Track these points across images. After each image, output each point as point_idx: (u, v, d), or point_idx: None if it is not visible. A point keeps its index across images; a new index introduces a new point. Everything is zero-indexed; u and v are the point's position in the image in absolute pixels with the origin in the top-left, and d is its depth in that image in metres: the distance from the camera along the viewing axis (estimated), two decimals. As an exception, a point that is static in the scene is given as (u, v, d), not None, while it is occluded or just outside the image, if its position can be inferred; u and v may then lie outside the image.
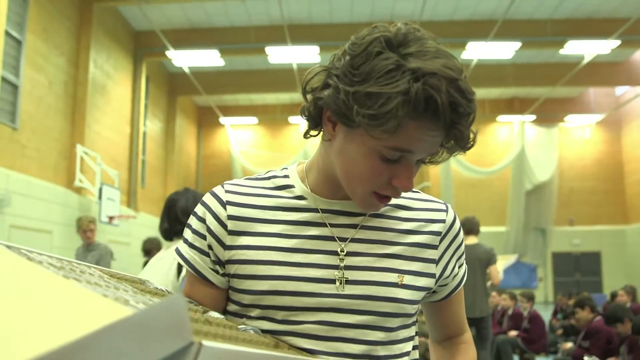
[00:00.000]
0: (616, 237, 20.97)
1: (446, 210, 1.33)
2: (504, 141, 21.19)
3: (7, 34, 10.04)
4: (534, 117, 20.52)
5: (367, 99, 1.02)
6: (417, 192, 1.34)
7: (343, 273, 1.20)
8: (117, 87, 14.88)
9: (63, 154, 11.99)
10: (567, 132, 21.81)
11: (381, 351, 1.21)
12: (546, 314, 10.98)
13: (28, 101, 10.72)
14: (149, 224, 16.42)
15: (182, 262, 1.29)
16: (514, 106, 20.34)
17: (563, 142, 21.56)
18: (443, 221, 1.31)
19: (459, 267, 1.37)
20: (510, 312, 9.52)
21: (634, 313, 8.23)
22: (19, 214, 10.03)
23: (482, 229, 7.05)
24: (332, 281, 1.20)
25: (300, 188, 1.27)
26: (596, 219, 21.53)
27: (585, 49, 15.49)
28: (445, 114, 1.00)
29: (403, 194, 1.27)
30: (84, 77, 12.67)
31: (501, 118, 21.01)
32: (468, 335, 1.46)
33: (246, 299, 1.22)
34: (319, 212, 1.25)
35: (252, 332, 1.06)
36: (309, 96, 1.18)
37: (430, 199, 1.35)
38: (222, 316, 1.13)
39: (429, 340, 1.50)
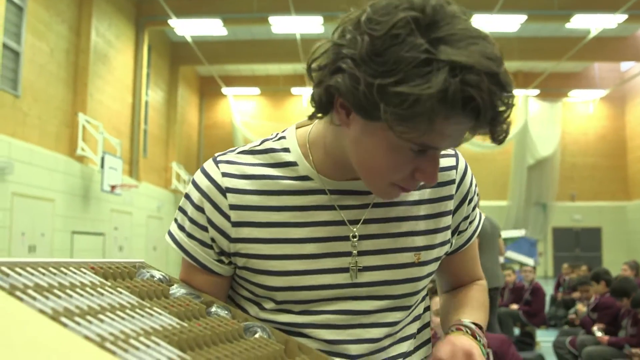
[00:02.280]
0: (617, 213, 20.99)
1: (456, 167, 1.23)
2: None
3: None
4: (537, 91, 20.42)
5: (396, 97, 0.88)
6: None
7: (356, 260, 1.14)
8: (119, 55, 14.80)
9: (65, 122, 11.97)
10: (571, 107, 21.71)
11: (400, 326, 1.20)
12: (546, 289, 11.03)
13: (30, 69, 10.67)
14: (151, 194, 16.46)
15: (179, 252, 1.20)
16: (518, 80, 20.20)
17: (566, 117, 21.48)
18: (453, 182, 1.22)
19: (473, 210, 1.28)
20: (511, 285, 9.57)
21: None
22: (21, 181, 10.05)
23: (484, 203, 7.00)
24: (348, 270, 1.14)
25: (304, 167, 1.15)
26: (598, 194, 21.54)
27: (591, 23, 15.35)
28: (486, 113, 0.90)
29: None
30: (85, 45, 12.60)
31: (505, 92, 20.90)
32: (483, 282, 1.38)
33: (259, 292, 1.17)
34: (326, 194, 1.15)
35: (260, 334, 1.03)
36: (315, 75, 1.03)
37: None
38: (226, 312, 1.09)
39: (439, 295, 1.41)
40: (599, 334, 6.32)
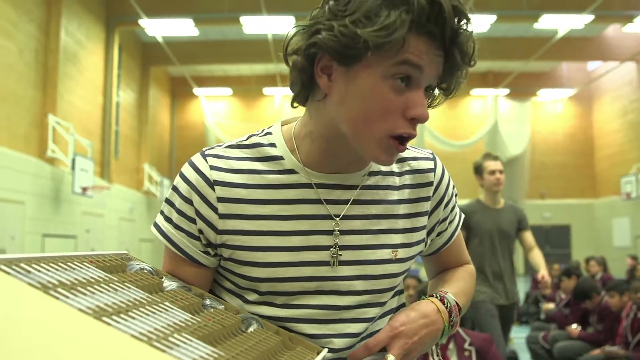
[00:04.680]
0: (585, 210, 21.33)
1: (434, 170, 1.29)
2: (478, 114, 21.33)
3: (-24, 0, 9.83)
4: (507, 90, 20.66)
5: (368, 19, 0.99)
6: (407, 148, 1.26)
7: (339, 254, 1.18)
8: (90, 56, 14.66)
9: (34, 123, 11.82)
10: (540, 107, 22.01)
11: (378, 322, 1.24)
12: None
13: (-2, 69, 10.53)
14: (123, 196, 16.33)
15: (166, 243, 1.21)
16: (488, 80, 20.45)
17: (536, 116, 21.77)
18: (431, 184, 1.28)
19: (452, 211, 1.35)
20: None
21: (604, 283, 8.43)
22: (-10, 184, 9.91)
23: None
24: (329, 263, 1.18)
25: (290, 160, 1.18)
26: (567, 192, 21.86)
27: (559, 24, 15.59)
28: (450, 20, 1.01)
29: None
30: (55, 45, 12.46)
31: (475, 92, 21.12)
32: (470, 266, 1.44)
33: (243, 283, 1.19)
34: (312, 187, 1.18)
35: (257, 327, 1.07)
36: (292, 58, 1.11)
37: (418, 155, 1.30)
38: (222, 306, 1.12)
39: (428, 280, 1.47)
40: (574, 326, 6.45)
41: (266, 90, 21.29)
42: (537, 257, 4.99)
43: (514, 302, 4.90)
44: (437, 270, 1.43)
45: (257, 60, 18.10)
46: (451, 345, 3.40)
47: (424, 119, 1.06)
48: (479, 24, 15.63)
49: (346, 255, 1.18)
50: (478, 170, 4.89)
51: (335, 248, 1.17)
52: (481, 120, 20.96)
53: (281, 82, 18.42)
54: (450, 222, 1.36)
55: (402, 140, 1.08)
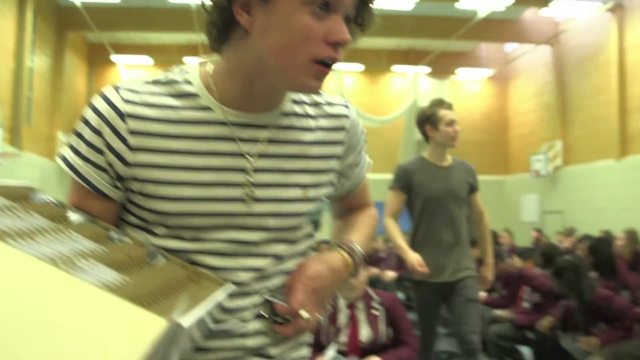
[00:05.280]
0: (497, 186, 22.01)
1: (348, 117, 1.35)
2: (398, 91, 21.59)
3: None
4: (428, 69, 21.00)
5: None
6: (321, 94, 1.32)
7: (251, 191, 1.21)
8: (1, 19, 13.99)
9: (-62, 86, 11.25)
10: (459, 86, 22.48)
11: (285, 258, 1.28)
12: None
13: None
14: (34, 164, 15.77)
15: (73, 175, 1.19)
16: (409, 57, 20.70)
17: (455, 95, 22.18)
18: (344, 129, 1.34)
19: (361, 157, 1.43)
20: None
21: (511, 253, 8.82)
22: None
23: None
24: (241, 200, 1.20)
25: (206, 98, 1.19)
26: (483, 169, 22.33)
27: (480, 5, 15.91)
28: None
29: (307, 100, 1.31)
30: (-39, 5, 11.84)
31: (396, 68, 21.36)
32: (373, 210, 1.54)
33: (151, 218, 1.19)
34: (227, 125, 1.19)
35: (163, 260, 1.09)
36: (209, 5, 1.15)
37: (333, 101, 1.35)
38: (128, 238, 1.12)
39: (333, 220, 1.56)
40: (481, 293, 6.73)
41: (187, 60, 20.90)
42: (485, 235, 4.32)
43: (467, 277, 4.03)
44: (342, 211, 1.52)
45: (179, 29, 17.69)
46: (360, 305, 3.45)
47: (345, 41, 1.10)
48: (404, 1, 15.78)
49: (259, 192, 1.21)
50: (430, 120, 4.11)
51: (248, 186, 1.20)
52: (402, 97, 21.24)
53: (203, 52, 18.11)
54: (360, 168, 1.43)
55: (326, 65, 1.12)
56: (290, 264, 1.29)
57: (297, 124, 1.28)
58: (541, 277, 5.75)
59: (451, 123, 4.07)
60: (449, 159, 4.22)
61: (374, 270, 9.38)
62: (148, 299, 0.81)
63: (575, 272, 4.73)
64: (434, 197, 4.06)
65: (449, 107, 4.15)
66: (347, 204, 1.50)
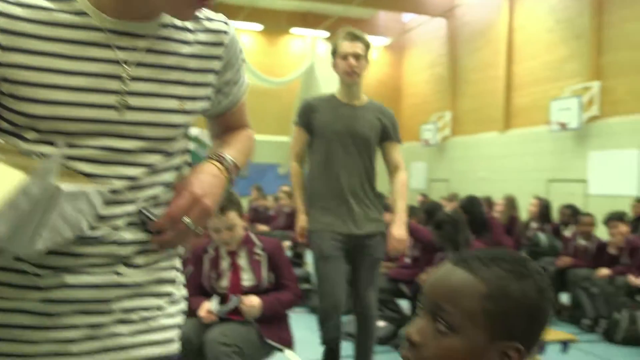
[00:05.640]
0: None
1: (227, 33, 1.36)
2: (296, 54, 21.56)
3: None
4: (327, 33, 21.05)
5: None
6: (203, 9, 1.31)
7: (126, 99, 1.19)
8: None
9: None
10: (356, 52, 22.70)
11: (160, 170, 1.27)
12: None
13: None
14: None
15: None
16: (308, 20, 20.65)
17: (352, 61, 22.45)
18: (223, 44, 1.35)
19: (240, 75, 1.44)
20: (287, 210, 9.90)
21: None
22: None
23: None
24: (114, 107, 1.19)
25: (82, 2, 1.17)
26: (374, 137, 22.91)
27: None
28: None
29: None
30: None
31: (295, 31, 21.29)
32: (250, 131, 1.56)
33: (21, 121, 1.16)
34: (103, 31, 1.18)
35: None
36: None
37: (212, 17, 1.36)
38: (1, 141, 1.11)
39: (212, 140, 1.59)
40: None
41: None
42: (396, 191, 3.85)
43: (376, 233, 3.77)
44: (220, 131, 1.53)
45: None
46: (242, 252, 3.43)
47: None
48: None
49: (134, 101, 1.20)
50: (333, 52, 3.77)
51: (122, 94, 1.19)
52: (299, 60, 21.21)
53: None
54: (238, 86, 1.45)
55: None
56: (165, 176, 1.29)
57: (175, 35, 1.27)
58: (423, 230, 5.99)
59: (345, 57, 3.64)
60: (363, 99, 3.83)
61: (263, 228, 9.43)
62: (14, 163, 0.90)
63: (454, 225, 4.96)
64: (333, 137, 3.67)
65: (352, 38, 3.65)
66: (225, 123, 1.51)
